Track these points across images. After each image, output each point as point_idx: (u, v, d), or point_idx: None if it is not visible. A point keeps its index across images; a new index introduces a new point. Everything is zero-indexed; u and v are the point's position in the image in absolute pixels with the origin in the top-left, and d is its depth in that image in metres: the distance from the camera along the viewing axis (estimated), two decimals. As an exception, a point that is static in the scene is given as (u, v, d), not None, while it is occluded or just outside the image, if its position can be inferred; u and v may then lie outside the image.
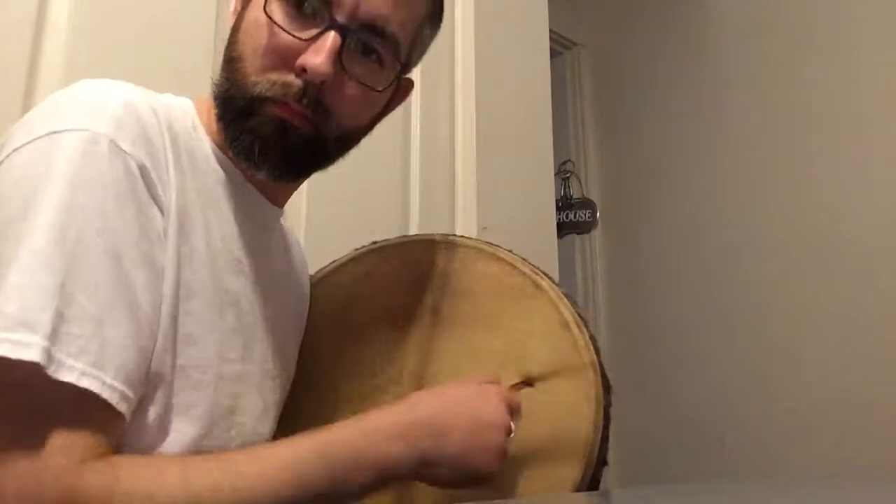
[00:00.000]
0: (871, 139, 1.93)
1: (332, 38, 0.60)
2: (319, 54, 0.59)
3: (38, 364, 0.46)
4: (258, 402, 0.67)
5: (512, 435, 0.61)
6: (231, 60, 0.64)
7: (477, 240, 0.79)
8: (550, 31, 1.72)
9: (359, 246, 0.82)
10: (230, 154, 0.65)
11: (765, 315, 2.04)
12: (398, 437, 0.57)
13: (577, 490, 0.64)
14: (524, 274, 0.72)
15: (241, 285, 0.65)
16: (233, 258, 0.65)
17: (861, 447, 1.79)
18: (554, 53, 2.17)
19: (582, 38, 2.67)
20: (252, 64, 0.62)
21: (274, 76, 0.61)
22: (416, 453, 0.57)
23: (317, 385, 0.77)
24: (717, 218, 2.20)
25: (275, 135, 0.61)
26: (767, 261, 2.06)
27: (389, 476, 0.57)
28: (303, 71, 0.60)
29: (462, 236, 0.81)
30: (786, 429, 1.93)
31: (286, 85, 0.61)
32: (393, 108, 0.72)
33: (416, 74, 1.48)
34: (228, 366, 0.62)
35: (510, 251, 0.75)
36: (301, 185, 0.75)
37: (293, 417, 0.74)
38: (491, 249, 0.75)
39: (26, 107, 0.91)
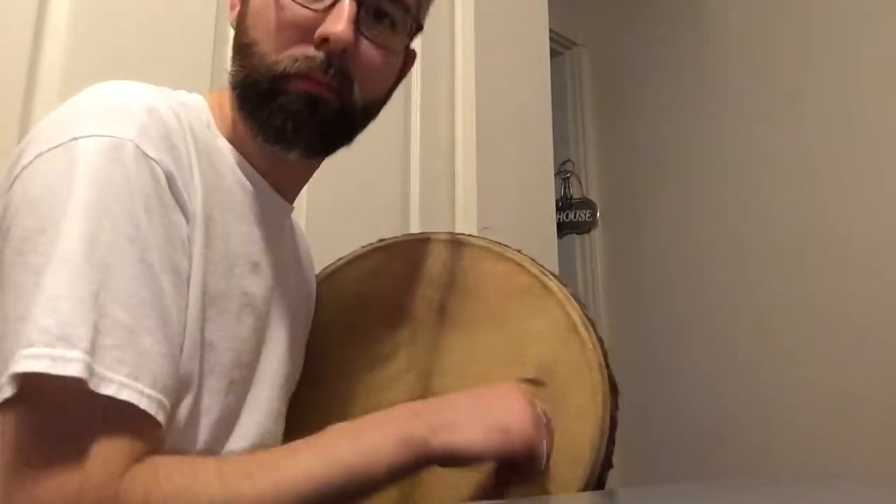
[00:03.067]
0: (872, 138, 1.94)
1: (347, 4, 0.60)
2: (339, 22, 0.59)
3: (80, 379, 0.46)
4: (267, 401, 0.66)
5: (545, 414, 0.61)
6: (243, 48, 0.63)
7: (485, 239, 0.78)
8: (550, 31, 1.72)
9: (360, 245, 0.82)
10: (247, 148, 0.65)
11: (764, 315, 2.04)
12: (415, 415, 0.57)
13: (582, 492, 0.63)
14: (532, 274, 0.71)
15: (257, 286, 0.65)
16: (251, 260, 0.64)
17: (861, 447, 1.79)
18: (554, 53, 2.17)
19: (582, 38, 2.67)
20: (268, 44, 0.61)
21: (295, 51, 0.60)
22: (433, 422, 0.56)
23: (323, 382, 0.76)
24: (717, 218, 2.20)
25: (306, 110, 0.61)
26: (767, 261, 2.06)
27: (414, 451, 0.55)
28: (323, 41, 0.60)
29: (469, 235, 0.80)
30: (785, 429, 1.93)
31: (309, 58, 0.60)
32: (402, 78, 0.72)
33: (416, 74, 1.47)
34: (242, 369, 0.62)
35: (518, 251, 0.74)
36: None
37: (299, 415, 0.74)
38: (499, 249, 0.74)
39: (26, 108, 0.90)
